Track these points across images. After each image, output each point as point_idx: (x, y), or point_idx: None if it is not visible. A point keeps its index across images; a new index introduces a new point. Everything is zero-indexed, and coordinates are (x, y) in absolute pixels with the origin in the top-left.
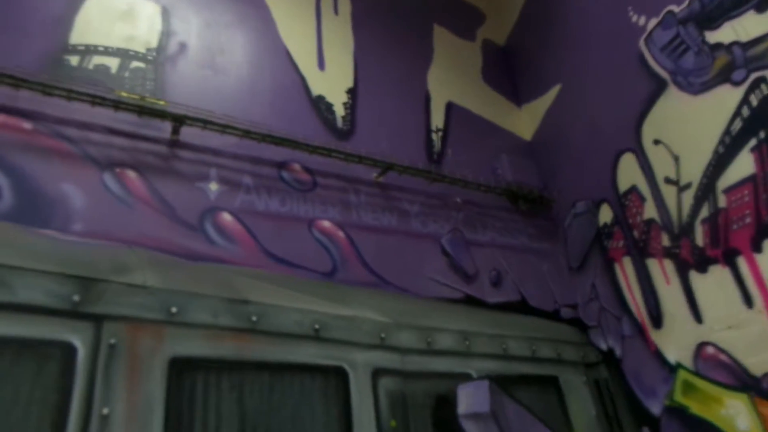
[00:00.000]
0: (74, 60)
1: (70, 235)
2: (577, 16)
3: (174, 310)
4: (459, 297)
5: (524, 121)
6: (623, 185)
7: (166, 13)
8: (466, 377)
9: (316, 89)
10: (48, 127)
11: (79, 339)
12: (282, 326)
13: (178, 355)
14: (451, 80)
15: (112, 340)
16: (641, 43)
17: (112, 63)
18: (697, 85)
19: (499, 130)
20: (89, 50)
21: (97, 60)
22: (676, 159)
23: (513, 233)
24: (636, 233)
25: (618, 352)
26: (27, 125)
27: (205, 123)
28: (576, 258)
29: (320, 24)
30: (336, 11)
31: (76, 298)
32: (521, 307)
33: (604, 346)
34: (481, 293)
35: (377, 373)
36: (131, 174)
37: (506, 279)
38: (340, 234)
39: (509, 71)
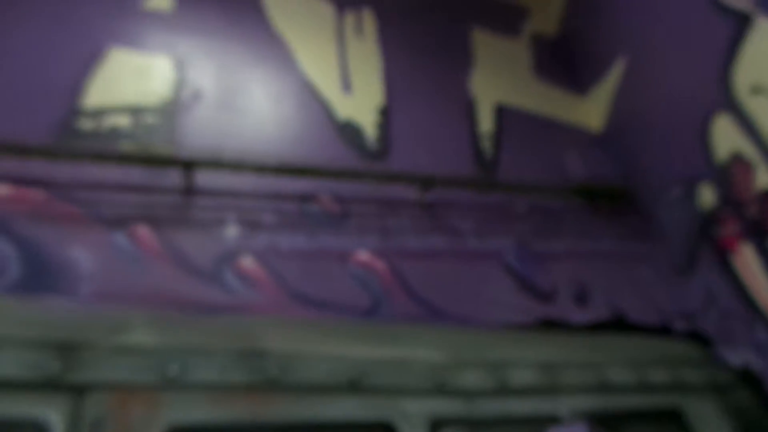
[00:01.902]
0: (86, 123)
1: (75, 299)
2: None
3: (173, 370)
4: (535, 321)
5: (591, 111)
6: (722, 155)
7: (180, 64)
8: (554, 420)
9: (343, 113)
10: (58, 193)
11: (55, 414)
12: (310, 378)
13: (177, 423)
14: (498, 82)
15: (96, 413)
16: None
17: (125, 121)
18: None
19: (562, 125)
20: (101, 112)
21: (109, 120)
22: None
23: (596, 237)
24: (751, 211)
25: (757, 366)
26: (37, 194)
27: (217, 164)
28: (680, 256)
29: (344, 47)
30: (360, 32)
31: (54, 366)
32: (618, 324)
33: (736, 362)
34: (563, 313)
35: (437, 425)
36: (143, 229)
37: (594, 292)
38: (380, 264)
39: (565, 61)
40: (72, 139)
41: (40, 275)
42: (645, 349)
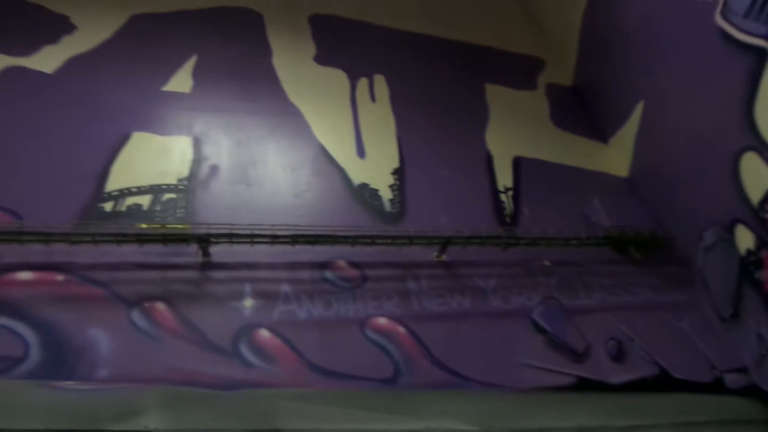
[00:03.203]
0: (108, 206)
1: (92, 383)
2: (637, 23)
3: None
4: (569, 383)
5: (614, 157)
6: (755, 193)
7: (197, 142)
8: None
9: (358, 178)
10: (78, 275)
11: None
12: None
13: None
14: (515, 134)
15: None
16: (717, 18)
17: (144, 200)
18: None
19: (585, 173)
20: (123, 194)
21: (129, 201)
22: None
23: (630, 289)
24: None
25: None
26: (59, 277)
27: (231, 237)
28: (725, 304)
29: (356, 114)
30: (373, 99)
31: None
32: (663, 382)
33: None
34: (599, 373)
35: None
36: (160, 306)
37: (632, 349)
38: (400, 329)
39: (583, 109)
40: (95, 220)
41: (58, 360)
42: (695, 409)
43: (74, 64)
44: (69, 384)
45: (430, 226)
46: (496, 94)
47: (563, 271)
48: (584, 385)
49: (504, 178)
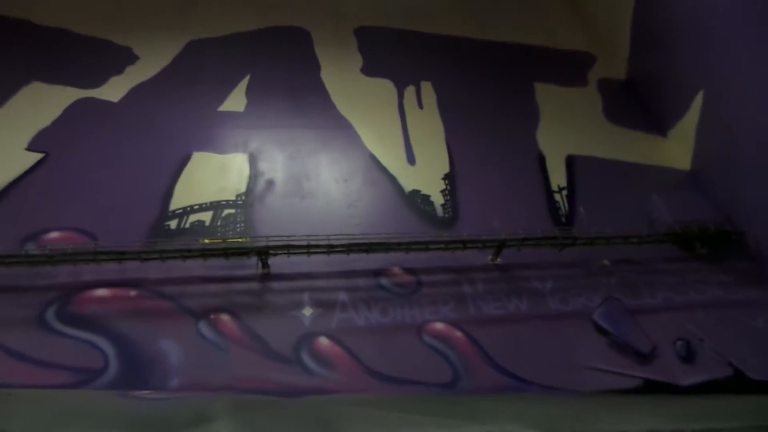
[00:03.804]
0: (173, 224)
1: (163, 392)
2: (692, 11)
3: None
4: (635, 385)
5: (674, 149)
6: None
7: (253, 159)
8: None
9: (409, 185)
10: (149, 290)
11: None
12: None
13: None
14: (568, 132)
15: None
16: None
17: (206, 217)
18: None
19: (643, 168)
20: (186, 211)
21: (192, 218)
22: None
23: (697, 287)
24: None
25: None
26: (132, 293)
27: (288, 248)
28: None
29: (405, 122)
30: (420, 105)
31: None
32: (737, 384)
33: None
34: (667, 375)
35: None
36: (225, 317)
37: (702, 349)
38: (458, 334)
39: (638, 103)
40: (161, 238)
41: (134, 371)
42: None
43: (138, 92)
44: (145, 393)
45: (483, 230)
46: (545, 93)
47: (624, 270)
48: (651, 388)
49: (558, 177)
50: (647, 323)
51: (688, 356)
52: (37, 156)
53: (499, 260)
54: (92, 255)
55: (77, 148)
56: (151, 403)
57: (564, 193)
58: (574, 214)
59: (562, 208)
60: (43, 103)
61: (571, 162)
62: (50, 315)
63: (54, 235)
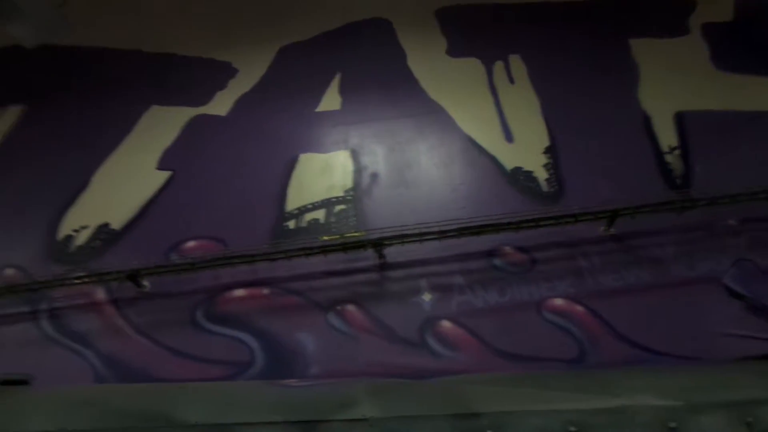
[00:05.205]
0: (291, 224)
1: (306, 380)
2: None
3: None
4: None
5: None
6: None
7: (355, 154)
8: None
9: (510, 163)
10: (279, 287)
11: None
12: None
13: None
14: (673, 88)
15: None
16: None
17: (320, 214)
18: None
19: (763, 116)
20: (301, 211)
21: (308, 217)
22: None
23: None
24: None
25: None
26: (264, 291)
27: (402, 238)
28: None
29: (497, 99)
30: (512, 80)
31: None
32: None
33: None
34: None
35: None
36: (350, 307)
37: None
38: (578, 308)
39: (751, 44)
40: (282, 239)
41: (277, 362)
42: None
43: (242, 104)
44: (290, 381)
45: (592, 201)
46: (643, 48)
47: (753, 228)
48: None
49: (667, 137)
50: None
51: None
52: (166, 174)
53: (612, 230)
54: (227, 259)
55: (198, 163)
56: (298, 390)
57: (676, 152)
58: (689, 174)
59: (676, 168)
60: (163, 125)
61: (681, 119)
62: (200, 316)
63: (191, 244)
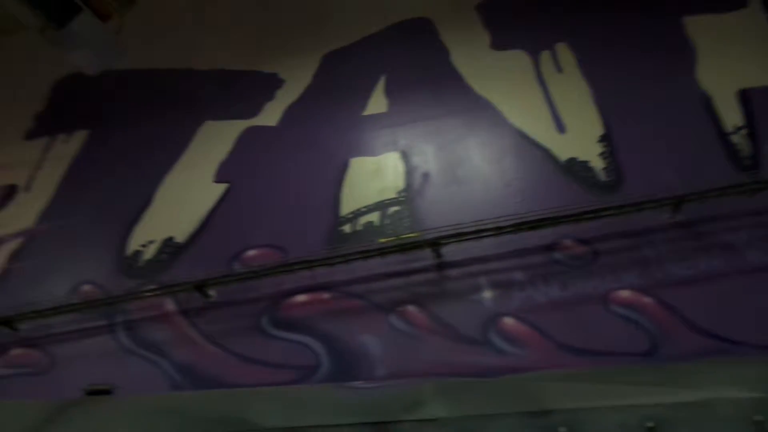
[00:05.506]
0: (347, 228)
1: (373, 381)
2: None
3: None
4: None
5: None
6: None
7: (405, 155)
8: None
9: (564, 154)
10: (340, 291)
11: None
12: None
13: None
14: (734, 65)
15: None
16: None
17: (375, 217)
18: None
19: None
20: (355, 215)
21: (363, 220)
22: None
23: None
24: None
25: None
26: (326, 295)
27: (459, 236)
28: None
29: (546, 90)
30: (560, 69)
31: None
32: None
33: None
34: None
35: None
36: (411, 308)
37: None
38: (646, 300)
39: None
40: (339, 243)
41: (344, 364)
42: None
43: (290, 113)
44: (358, 384)
45: (654, 188)
46: (698, 26)
47: None
48: None
49: (732, 116)
50: None
51: None
52: (223, 186)
53: (678, 217)
54: (288, 266)
55: (253, 174)
56: (366, 392)
57: (743, 132)
58: (758, 154)
59: (744, 149)
60: (217, 139)
61: (745, 96)
62: (265, 322)
63: (252, 253)
